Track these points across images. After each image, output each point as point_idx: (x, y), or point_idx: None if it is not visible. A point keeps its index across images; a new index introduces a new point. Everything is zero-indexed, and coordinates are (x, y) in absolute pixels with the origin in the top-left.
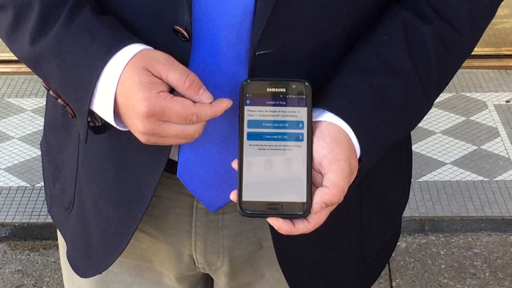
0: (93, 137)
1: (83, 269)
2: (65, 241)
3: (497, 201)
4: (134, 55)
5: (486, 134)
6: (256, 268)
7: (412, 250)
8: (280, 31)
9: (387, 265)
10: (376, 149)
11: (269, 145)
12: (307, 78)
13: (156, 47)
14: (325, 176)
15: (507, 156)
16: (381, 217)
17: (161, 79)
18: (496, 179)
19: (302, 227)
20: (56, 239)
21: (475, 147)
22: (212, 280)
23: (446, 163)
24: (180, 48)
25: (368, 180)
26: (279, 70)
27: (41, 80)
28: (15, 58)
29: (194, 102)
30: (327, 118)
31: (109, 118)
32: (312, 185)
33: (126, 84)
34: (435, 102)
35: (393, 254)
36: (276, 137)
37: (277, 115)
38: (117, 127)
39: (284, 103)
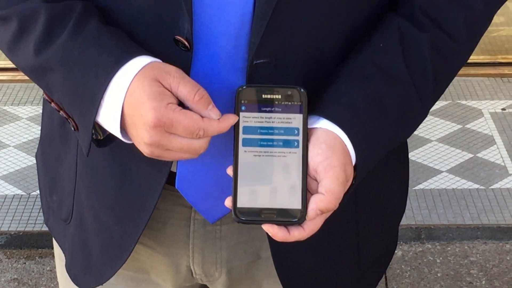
0: (93, 148)
1: (83, 281)
2: (64, 253)
3: (493, 209)
4: (144, 66)
5: (482, 142)
6: (254, 279)
7: (408, 258)
8: (277, 40)
9: None
10: (372, 156)
11: (265, 152)
12: (303, 85)
13: (156, 56)
14: (320, 183)
15: (503, 164)
16: (378, 226)
17: (171, 91)
18: (492, 187)
19: (297, 234)
20: (52, 248)
21: (471, 155)
22: None
23: (442, 171)
24: (180, 57)
25: (365, 189)
26: (276, 78)
27: (42, 92)
28: (11, 65)
29: (202, 117)
30: (323, 125)
31: (115, 129)
32: (307, 192)
33: (134, 94)
34: (431, 110)
35: None
36: (271, 143)
37: (272, 122)
38: (122, 139)
39: (280, 109)
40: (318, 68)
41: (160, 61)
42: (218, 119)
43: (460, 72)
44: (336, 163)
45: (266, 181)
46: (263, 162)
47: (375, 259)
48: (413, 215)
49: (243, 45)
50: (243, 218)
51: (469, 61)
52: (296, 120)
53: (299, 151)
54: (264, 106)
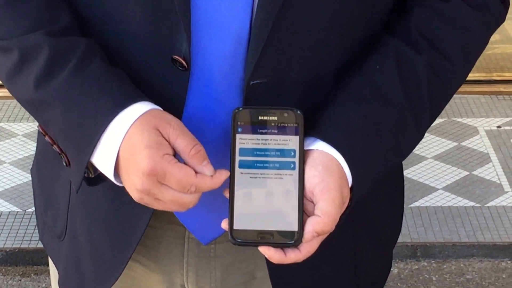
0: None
1: None
2: (57, 270)
3: (489, 227)
4: (145, 113)
5: (478, 160)
6: None
7: (404, 276)
8: (274, 60)
9: None
10: (368, 178)
11: (261, 174)
12: (300, 106)
13: (154, 77)
14: (316, 205)
15: (498, 181)
16: (375, 247)
17: (168, 141)
18: (488, 204)
19: (293, 256)
20: (48, 265)
21: (466, 173)
22: None
23: (438, 189)
24: (178, 77)
25: (361, 211)
26: (272, 99)
27: (37, 124)
28: None
29: (195, 172)
30: (319, 147)
31: (108, 171)
32: (303, 213)
33: (132, 140)
34: None
35: None
36: (267, 165)
37: (269, 144)
38: (114, 181)
39: (276, 131)
40: (315, 88)
41: (160, 108)
42: (211, 175)
43: None
44: (333, 185)
45: (262, 203)
46: (260, 184)
47: (372, 279)
48: (408, 233)
49: (240, 65)
50: (240, 240)
51: None
52: (292, 142)
53: (295, 173)
54: (261, 127)
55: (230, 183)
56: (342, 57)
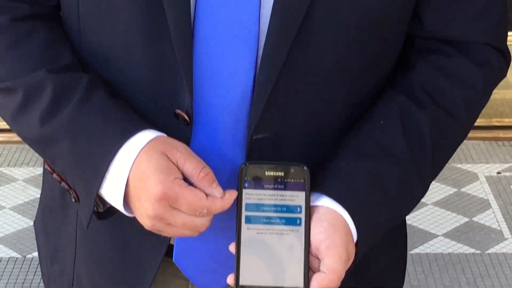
0: (94, 219)
1: None
2: None
3: (489, 274)
4: (152, 140)
5: (478, 206)
6: None
7: None
8: (277, 116)
9: None
10: (373, 233)
11: (267, 229)
12: (303, 160)
13: (156, 128)
14: (322, 261)
15: (498, 228)
16: None
17: (177, 166)
18: (488, 251)
19: None
20: None
21: (466, 219)
22: None
23: (438, 235)
24: (180, 131)
25: (363, 268)
26: (276, 153)
27: (44, 162)
28: (7, 127)
29: (206, 195)
30: (324, 203)
31: (117, 202)
32: (309, 269)
33: (141, 166)
34: None
35: None
36: (274, 221)
37: (275, 199)
38: (124, 212)
39: (283, 187)
40: (318, 143)
41: (165, 135)
42: (221, 197)
43: None
44: (339, 242)
45: (268, 258)
46: (266, 239)
47: None
48: (409, 280)
49: (243, 120)
50: None
51: None
52: (298, 197)
53: (301, 229)
54: (267, 183)
55: (236, 238)
56: (346, 112)
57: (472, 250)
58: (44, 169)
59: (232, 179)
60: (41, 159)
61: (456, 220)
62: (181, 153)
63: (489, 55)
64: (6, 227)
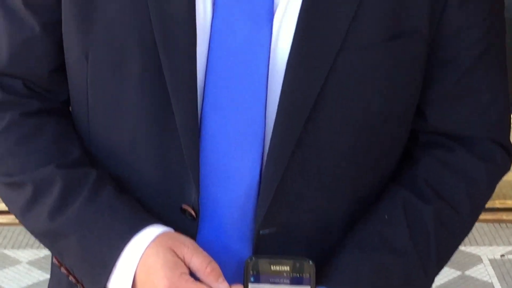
0: None
1: None
2: None
3: None
4: (159, 235)
5: None
6: None
7: None
8: (284, 210)
9: None
10: None
11: None
12: (309, 254)
13: (162, 222)
14: None
15: None
16: None
17: (184, 261)
18: None
19: None
20: None
21: None
22: None
23: None
24: (187, 226)
25: None
26: (282, 247)
27: (52, 256)
28: None
29: None
30: None
31: None
32: None
33: (149, 261)
34: None
35: None
36: None
37: None
38: None
39: (288, 281)
40: (324, 237)
41: (172, 230)
42: None
43: None
44: None
45: None
46: None
47: None
48: None
49: (249, 215)
50: None
51: None
52: None
53: None
54: (273, 277)
55: None
56: (352, 206)
57: None
58: (52, 263)
59: (238, 273)
60: None
61: None
62: (188, 248)
63: (493, 150)
64: None
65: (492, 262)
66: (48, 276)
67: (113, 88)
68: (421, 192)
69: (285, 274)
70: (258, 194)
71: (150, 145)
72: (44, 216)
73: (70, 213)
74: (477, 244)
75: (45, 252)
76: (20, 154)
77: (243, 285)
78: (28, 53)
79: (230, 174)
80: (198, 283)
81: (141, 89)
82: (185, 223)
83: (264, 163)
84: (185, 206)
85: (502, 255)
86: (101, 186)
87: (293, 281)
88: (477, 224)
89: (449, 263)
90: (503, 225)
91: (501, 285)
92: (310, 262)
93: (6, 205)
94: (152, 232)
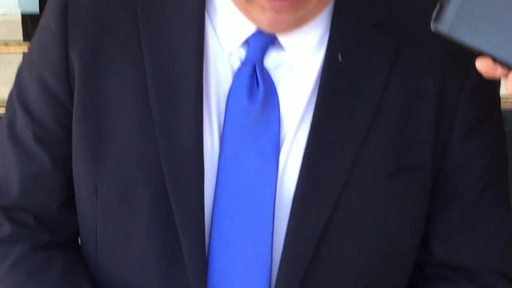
0: None
1: None
2: None
3: None
4: None
5: None
6: None
7: None
8: None
9: None
10: None
11: None
12: None
13: None
14: None
15: None
16: None
17: None
18: None
19: None
20: None
21: None
22: None
23: None
24: None
25: None
26: None
27: None
28: None
29: None
30: None
31: None
32: None
33: None
34: None
35: None
36: None
37: None
38: None
39: None
40: None
41: None
42: None
43: None
44: None
45: None
46: None
47: None
48: None
49: None
50: None
51: None
52: None
53: None
54: None
55: None
56: None
57: None
58: None
59: None
60: None
61: None
62: None
63: (497, 283)
64: None
65: None
66: None
67: (121, 223)
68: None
69: None
70: None
71: (158, 280)
72: None
73: None
74: None
75: None
76: (30, 287)
77: None
78: (38, 187)
79: None
80: None
81: (149, 224)
82: None
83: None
84: None
85: None
86: None
87: None
88: None
89: None
90: None
91: None
92: None
93: None
94: None
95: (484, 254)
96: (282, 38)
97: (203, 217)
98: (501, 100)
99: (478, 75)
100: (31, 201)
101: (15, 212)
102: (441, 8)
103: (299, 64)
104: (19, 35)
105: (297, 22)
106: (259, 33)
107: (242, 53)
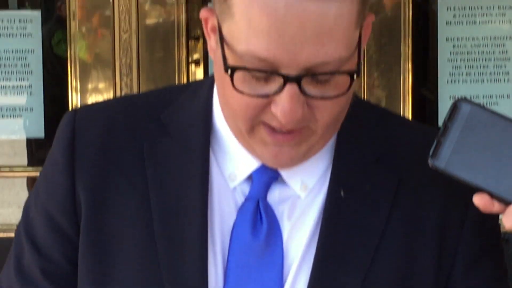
0: None
1: None
2: None
3: None
4: None
5: None
6: None
7: None
8: None
9: None
10: None
11: None
12: None
13: None
14: None
15: None
16: None
17: None
18: None
19: None
20: None
21: None
22: None
23: None
24: None
25: None
26: None
27: None
28: None
29: None
30: None
31: None
32: None
33: None
34: None
35: None
36: None
37: None
38: None
39: None
40: None
41: None
42: None
43: None
44: None
45: None
46: None
47: None
48: None
49: None
50: None
51: None
52: None
53: None
54: None
55: None
56: None
57: None
58: None
59: None
60: None
61: None
62: None
63: None
64: None
65: None
66: None
67: None
68: None
69: None
70: None
71: None
72: None
73: None
74: None
75: None
76: None
77: None
78: None
79: None
80: None
81: None
82: None
83: None
84: None
85: None
86: None
87: None
88: None
89: None
90: None
91: None
92: None
93: None
94: None
95: None
96: (285, 174)
97: None
98: None
99: (479, 209)
100: None
101: None
102: (438, 144)
103: (302, 199)
104: (24, 156)
105: (300, 158)
106: (262, 168)
107: (246, 188)
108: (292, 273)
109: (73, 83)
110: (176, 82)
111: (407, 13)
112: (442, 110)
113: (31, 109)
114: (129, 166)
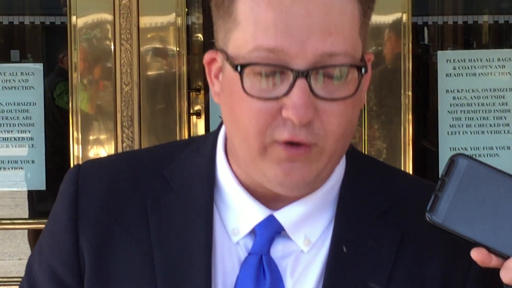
0: None
1: None
2: None
3: None
4: None
5: None
6: None
7: None
8: None
9: None
10: None
11: None
12: None
13: None
14: None
15: None
16: None
17: None
18: None
19: None
20: None
21: None
22: None
23: None
24: None
25: None
26: None
27: None
28: None
29: None
30: None
31: None
32: None
33: None
34: None
35: None
36: None
37: None
38: None
39: None
40: None
41: None
42: None
43: None
44: None
45: None
46: None
47: None
48: None
49: None
50: None
51: None
52: None
53: None
54: None
55: None
56: None
57: None
58: None
59: None
60: None
61: None
62: None
63: None
64: None
65: None
66: None
67: None
68: None
69: None
70: None
71: None
72: None
73: None
74: None
75: None
76: None
77: None
78: None
79: None
80: None
81: None
82: None
83: None
84: None
85: None
86: None
87: None
88: None
89: None
90: None
91: None
92: None
93: None
94: None
95: None
96: (288, 227)
97: None
98: None
99: None
100: None
101: None
102: (435, 199)
103: (305, 254)
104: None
105: (310, 180)
106: (266, 222)
107: (249, 242)
108: None
109: (74, 135)
110: (177, 133)
111: (407, 65)
112: (443, 162)
113: (33, 161)
114: (132, 222)
